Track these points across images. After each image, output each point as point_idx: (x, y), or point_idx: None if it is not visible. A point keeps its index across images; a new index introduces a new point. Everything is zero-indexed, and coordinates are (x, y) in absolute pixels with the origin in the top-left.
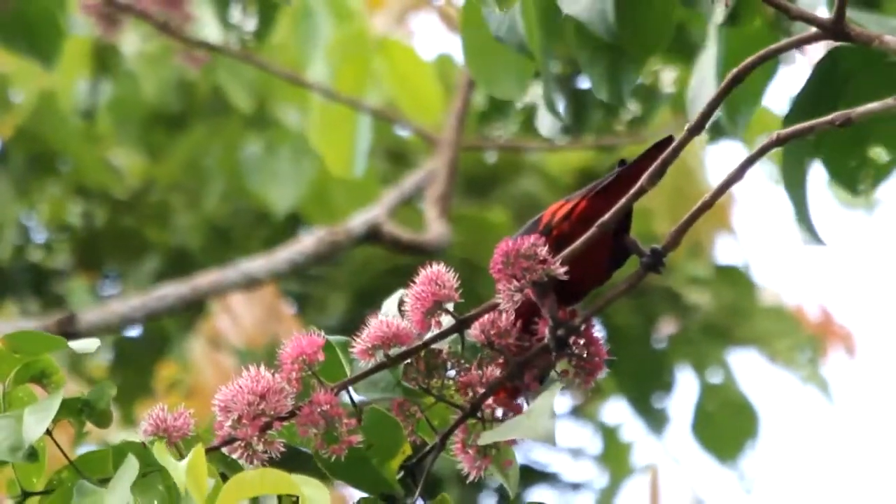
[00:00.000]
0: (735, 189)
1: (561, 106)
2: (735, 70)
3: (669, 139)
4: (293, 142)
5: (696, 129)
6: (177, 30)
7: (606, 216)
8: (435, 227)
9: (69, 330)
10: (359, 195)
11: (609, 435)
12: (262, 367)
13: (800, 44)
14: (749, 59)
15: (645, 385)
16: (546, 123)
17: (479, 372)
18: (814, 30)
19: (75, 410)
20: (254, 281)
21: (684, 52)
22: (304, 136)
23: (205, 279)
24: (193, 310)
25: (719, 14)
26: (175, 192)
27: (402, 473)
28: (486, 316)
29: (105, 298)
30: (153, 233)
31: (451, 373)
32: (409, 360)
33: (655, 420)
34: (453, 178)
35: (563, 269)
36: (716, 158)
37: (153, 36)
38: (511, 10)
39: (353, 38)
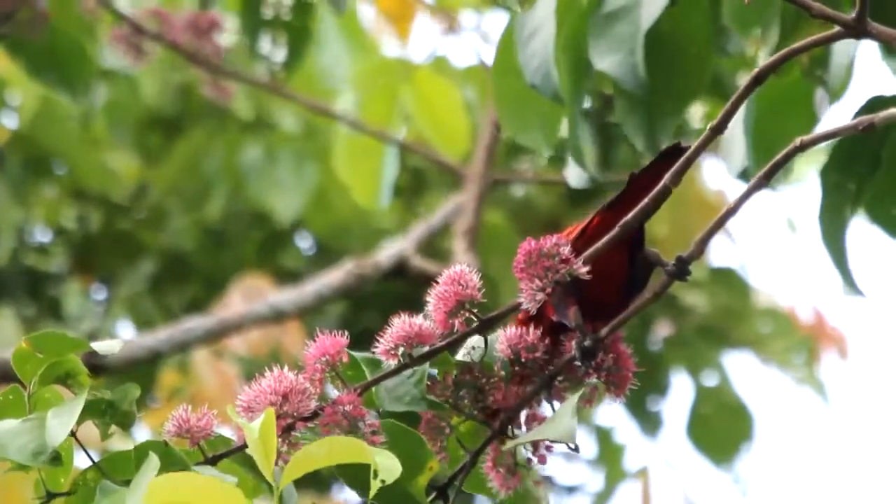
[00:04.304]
0: (729, 191)
1: (589, 143)
2: (756, 70)
3: (677, 147)
4: (293, 146)
5: (718, 130)
6: (206, 60)
7: (629, 216)
8: (463, 260)
9: (96, 362)
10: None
11: (604, 437)
12: (286, 368)
13: (822, 42)
14: (771, 59)
15: (640, 387)
16: (573, 174)
17: (508, 389)
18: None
19: (99, 411)
20: (281, 314)
21: (715, 89)
22: (304, 140)
23: (232, 312)
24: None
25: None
26: (171, 196)
27: (433, 494)
28: (514, 331)
29: (100, 302)
30: (148, 236)
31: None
32: (436, 377)
33: (649, 423)
34: (481, 211)
35: (585, 269)
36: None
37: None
38: (545, 59)
39: (381, 69)
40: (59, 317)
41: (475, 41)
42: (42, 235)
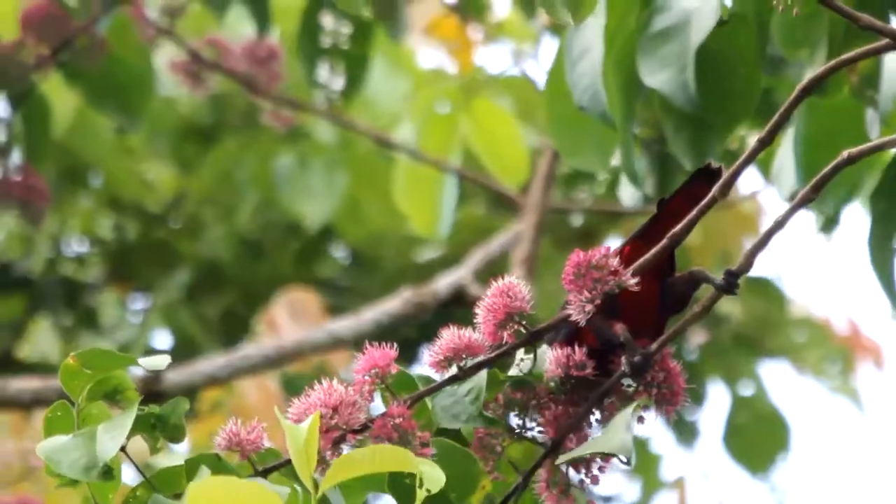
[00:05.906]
0: (764, 199)
1: (643, 171)
2: (805, 81)
3: (707, 169)
4: (326, 155)
5: (765, 142)
6: (264, 88)
7: (677, 227)
8: None
9: (154, 388)
10: (392, 211)
11: (640, 447)
12: (335, 380)
13: (871, 54)
14: (819, 71)
15: None
16: (627, 193)
17: (559, 409)
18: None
19: (148, 425)
20: (339, 341)
21: (769, 116)
22: (337, 149)
23: (289, 339)
24: (238, 331)
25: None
26: (207, 205)
27: None
28: (561, 350)
29: (136, 312)
30: (185, 246)
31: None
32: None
33: (686, 432)
34: (539, 240)
35: (634, 280)
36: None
37: (184, 49)
38: (594, 79)
39: (441, 97)
40: (95, 327)
41: (518, 57)
42: (78, 245)
